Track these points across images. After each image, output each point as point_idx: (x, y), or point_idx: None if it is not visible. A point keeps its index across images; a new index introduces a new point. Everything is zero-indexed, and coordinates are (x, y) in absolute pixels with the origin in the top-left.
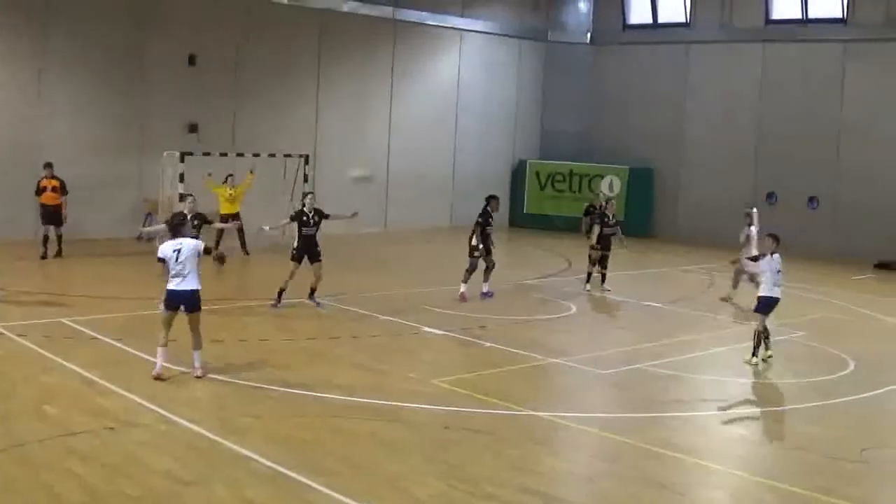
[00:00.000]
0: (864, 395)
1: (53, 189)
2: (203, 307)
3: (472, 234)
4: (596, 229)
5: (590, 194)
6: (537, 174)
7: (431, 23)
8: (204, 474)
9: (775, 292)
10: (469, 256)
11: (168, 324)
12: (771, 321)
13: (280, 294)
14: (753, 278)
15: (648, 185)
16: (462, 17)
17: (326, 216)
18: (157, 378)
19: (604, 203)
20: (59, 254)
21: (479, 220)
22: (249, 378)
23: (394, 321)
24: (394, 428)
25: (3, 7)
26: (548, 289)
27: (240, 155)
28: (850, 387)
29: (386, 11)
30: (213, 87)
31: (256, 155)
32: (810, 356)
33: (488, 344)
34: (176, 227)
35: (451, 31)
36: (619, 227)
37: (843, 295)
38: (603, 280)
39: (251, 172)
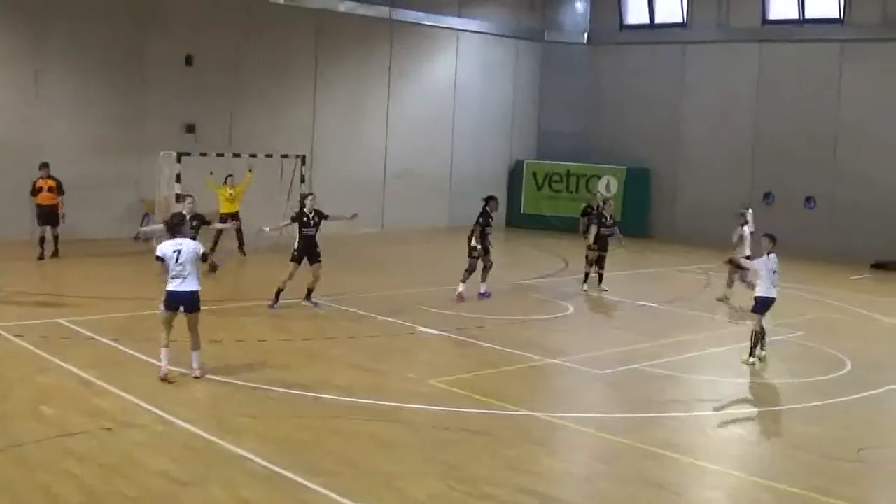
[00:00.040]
0: (862, 395)
1: (50, 189)
2: (201, 308)
3: (472, 235)
4: (593, 229)
5: (587, 194)
6: (534, 174)
7: (428, 23)
8: (201, 475)
9: (772, 292)
10: (468, 257)
11: (168, 324)
12: (768, 321)
13: (278, 294)
14: (744, 278)
15: (645, 186)
16: (459, 17)
17: (326, 217)
18: (164, 380)
19: (601, 203)
20: (55, 254)
21: (480, 220)
22: (247, 378)
23: (391, 321)
24: (391, 428)
25: (2, 7)
26: (545, 289)
27: (237, 155)
28: (847, 387)
29: (382, 11)
30: (210, 87)
31: (253, 155)
32: (807, 356)
33: (486, 344)
34: (175, 227)
35: (447, 31)
36: (617, 228)
37: (840, 295)
38: (600, 280)
39: (250, 171)
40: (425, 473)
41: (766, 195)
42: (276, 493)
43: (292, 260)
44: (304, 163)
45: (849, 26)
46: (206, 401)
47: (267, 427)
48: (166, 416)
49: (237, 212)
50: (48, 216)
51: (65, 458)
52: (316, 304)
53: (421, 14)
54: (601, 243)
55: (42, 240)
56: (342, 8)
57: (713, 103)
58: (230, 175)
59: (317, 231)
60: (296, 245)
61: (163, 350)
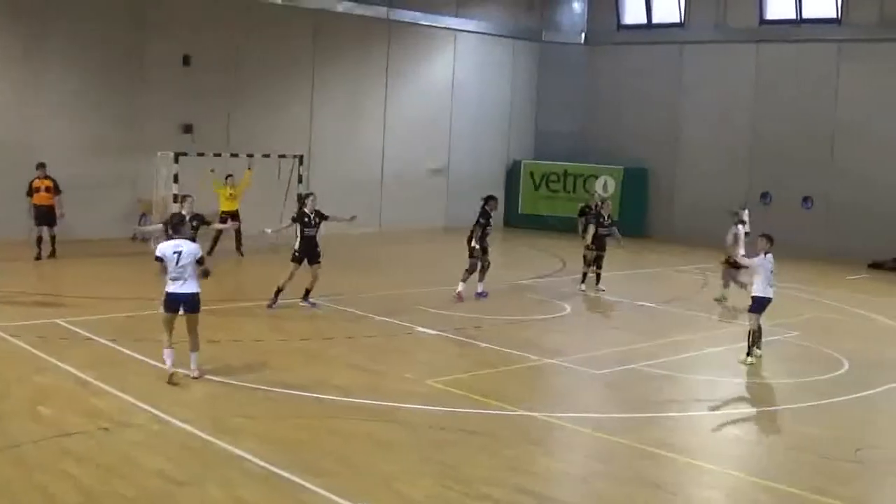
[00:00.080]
0: (859, 394)
1: (47, 189)
2: (201, 308)
3: (472, 235)
4: (591, 229)
5: (584, 195)
6: (532, 174)
7: (425, 23)
8: (198, 474)
9: (768, 292)
10: (469, 257)
11: (169, 326)
12: (764, 321)
13: (277, 294)
14: (736, 277)
15: (643, 186)
16: (456, 17)
17: (326, 218)
18: (171, 381)
19: (599, 203)
20: (52, 254)
21: (481, 220)
22: (244, 379)
23: (389, 322)
24: (389, 428)
25: (1, 7)
26: (543, 289)
27: (234, 155)
28: (844, 387)
29: (380, 11)
30: (208, 87)
31: (251, 155)
32: (805, 356)
33: (483, 344)
34: (175, 227)
35: (445, 31)
36: (615, 228)
37: (837, 295)
38: (598, 280)
39: (249, 169)
40: (423, 473)
41: (764, 195)
42: (274, 493)
43: (293, 260)
44: (301, 163)
45: (846, 26)
46: (203, 401)
47: (264, 427)
48: (163, 416)
49: (237, 211)
50: (45, 216)
51: (62, 458)
52: (313, 305)
53: (418, 14)
54: (599, 243)
55: (39, 240)
56: (340, 8)
57: (711, 103)
58: (230, 175)
59: (317, 231)
60: (296, 245)
61: (166, 351)
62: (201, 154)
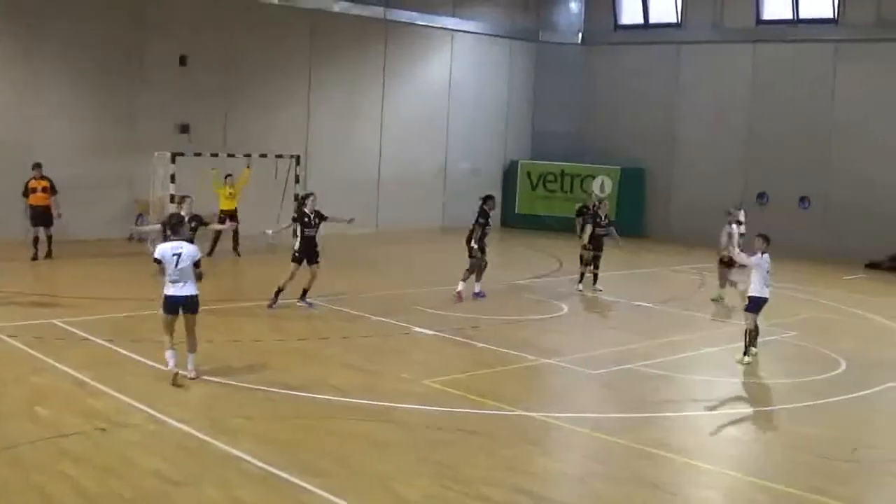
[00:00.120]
0: (856, 394)
1: (43, 189)
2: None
3: (471, 235)
4: (588, 229)
5: (582, 195)
6: (529, 174)
7: (422, 23)
8: (195, 475)
9: (765, 292)
10: (469, 257)
11: (170, 327)
12: (761, 321)
13: (277, 294)
14: (727, 276)
15: (640, 186)
16: (453, 17)
17: (325, 218)
18: (175, 383)
19: (596, 203)
20: (49, 255)
21: (481, 220)
22: (242, 379)
23: (386, 322)
24: (386, 429)
25: (0, 8)
26: (540, 289)
27: (231, 156)
28: (842, 386)
29: (377, 11)
30: (204, 87)
31: (248, 155)
32: (802, 356)
33: (480, 344)
34: (174, 228)
35: (441, 31)
36: (613, 228)
37: (834, 295)
38: (595, 280)
39: (248, 167)
40: (420, 474)
41: (760, 195)
42: (271, 493)
43: (293, 260)
44: (298, 163)
45: (843, 26)
46: (200, 401)
47: (261, 427)
48: (161, 416)
49: (236, 210)
50: (41, 217)
51: (59, 458)
52: (311, 305)
53: (415, 14)
54: (596, 243)
55: (36, 240)
56: (336, 8)
57: (707, 103)
58: (229, 174)
59: (317, 232)
60: (296, 245)
61: (167, 352)
62: (198, 154)
